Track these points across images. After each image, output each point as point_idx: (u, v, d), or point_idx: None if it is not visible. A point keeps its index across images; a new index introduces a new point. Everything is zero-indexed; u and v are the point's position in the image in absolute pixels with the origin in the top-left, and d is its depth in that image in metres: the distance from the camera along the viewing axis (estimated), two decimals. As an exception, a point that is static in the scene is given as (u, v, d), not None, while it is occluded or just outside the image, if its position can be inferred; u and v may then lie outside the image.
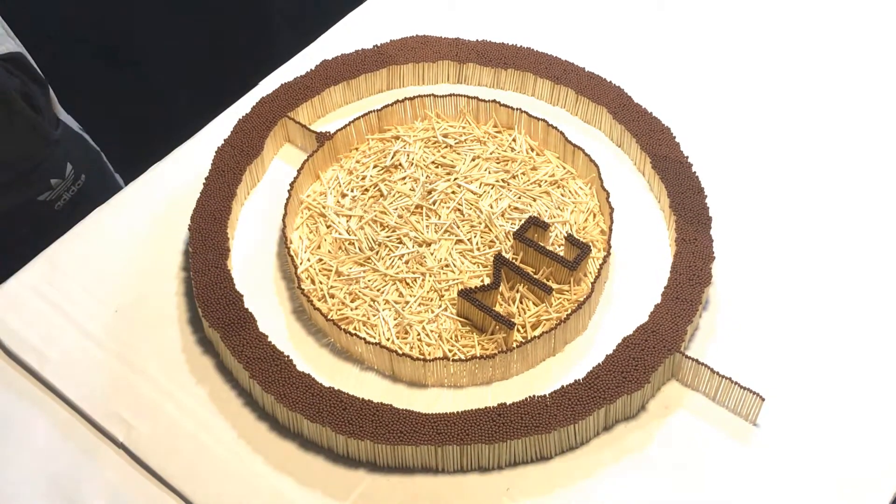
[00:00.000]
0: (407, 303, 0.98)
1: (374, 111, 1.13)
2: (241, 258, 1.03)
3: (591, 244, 1.01)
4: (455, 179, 1.08)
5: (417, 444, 0.87)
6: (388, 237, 1.03)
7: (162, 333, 0.98)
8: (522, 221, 1.03)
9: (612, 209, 1.03)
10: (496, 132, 1.13)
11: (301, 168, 1.07)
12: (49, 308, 1.00)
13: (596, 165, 1.06)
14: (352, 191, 1.08)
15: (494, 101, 1.12)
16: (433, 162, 1.10)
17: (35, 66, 1.14)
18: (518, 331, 0.96)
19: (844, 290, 1.01)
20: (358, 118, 1.12)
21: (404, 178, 1.09)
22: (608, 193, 1.04)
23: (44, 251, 1.04)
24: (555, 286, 0.98)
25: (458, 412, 0.89)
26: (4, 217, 1.07)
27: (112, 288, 1.01)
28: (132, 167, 1.11)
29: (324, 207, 1.06)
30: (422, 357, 0.93)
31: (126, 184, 1.09)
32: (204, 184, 1.05)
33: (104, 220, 1.07)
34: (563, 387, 0.90)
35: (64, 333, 0.98)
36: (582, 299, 0.96)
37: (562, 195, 1.07)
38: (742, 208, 1.07)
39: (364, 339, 0.94)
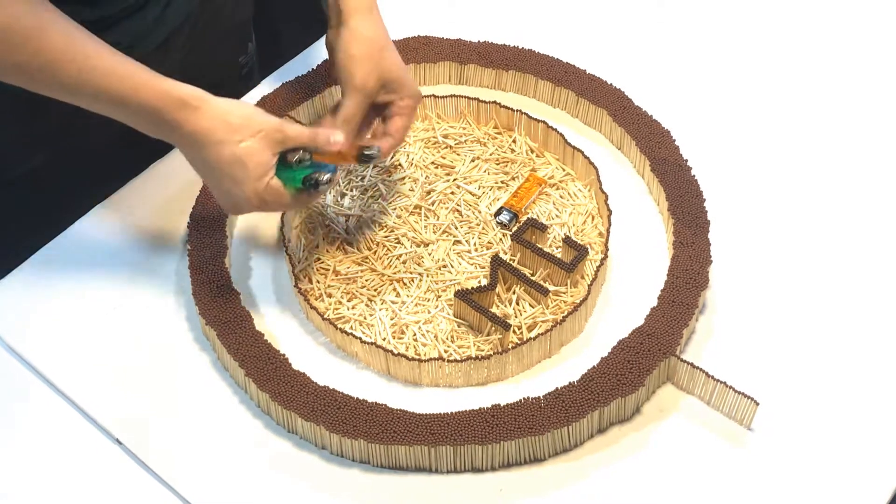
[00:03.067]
0: (404, 303, 0.98)
1: (374, 111, 1.13)
2: (239, 257, 1.04)
3: (588, 246, 1.01)
4: (454, 180, 1.09)
5: (411, 444, 0.87)
6: (386, 237, 1.03)
7: (159, 331, 0.98)
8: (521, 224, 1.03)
9: (610, 211, 1.03)
10: (496, 133, 1.13)
11: (300, 167, 1.07)
12: (48, 304, 1.00)
13: (595, 168, 1.06)
14: (351, 190, 1.08)
15: (495, 102, 1.13)
16: (433, 162, 1.10)
17: None
18: (514, 332, 0.96)
19: (840, 296, 1.01)
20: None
21: (403, 179, 1.09)
22: (607, 196, 1.04)
23: (43, 247, 1.04)
24: (552, 288, 0.99)
25: (452, 413, 0.89)
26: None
27: (111, 285, 1.02)
28: (133, 165, 1.11)
29: (322, 207, 1.06)
30: (417, 357, 0.93)
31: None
32: (203, 182, 1.05)
33: (104, 217, 1.07)
34: (557, 388, 0.90)
35: (62, 330, 0.98)
36: (578, 301, 0.96)
37: (560, 197, 1.07)
38: (740, 212, 1.07)
39: (360, 338, 0.94)
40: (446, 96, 1.14)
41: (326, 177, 0.89)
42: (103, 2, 0.98)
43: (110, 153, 1.08)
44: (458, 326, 0.97)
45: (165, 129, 0.87)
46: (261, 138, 0.87)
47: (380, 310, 0.98)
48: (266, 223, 1.06)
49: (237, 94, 1.17)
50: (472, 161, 1.11)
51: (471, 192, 1.07)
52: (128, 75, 0.85)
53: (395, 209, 1.06)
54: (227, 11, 1.18)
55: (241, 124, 0.87)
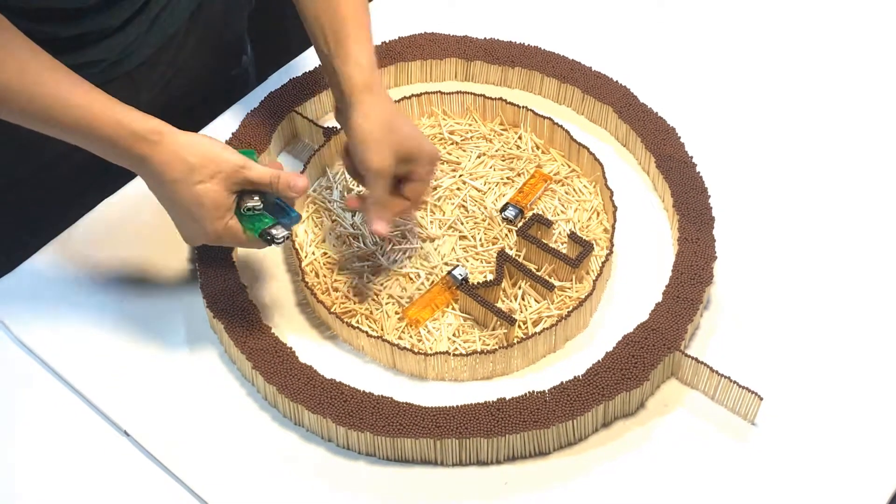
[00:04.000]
0: (410, 298, 0.99)
1: (381, 107, 1.14)
2: (247, 251, 1.04)
3: (593, 242, 1.02)
4: (460, 176, 1.09)
5: (417, 437, 0.88)
6: (392, 232, 1.04)
7: (167, 323, 0.99)
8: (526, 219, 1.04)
9: (615, 208, 1.03)
10: (502, 130, 1.14)
11: (307, 162, 1.08)
12: (57, 297, 1.01)
13: (600, 164, 1.07)
14: (358, 186, 1.08)
15: (501, 98, 1.13)
16: (439, 158, 1.11)
17: None
18: (519, 327, 0.96)
19: (844, 292, 1.01)
20: (365, 114, 1.13)
21: (410, 174, 1.10)
22: (612, 192, 1.04)
23: (51, 241, 1.05)
24: (557, 283, 0.99)
25: (457, 406, 0.89)
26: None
27: (119, 278, 1.02)
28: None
29: (329, 202, 1.07)
30: (423, 351, 0.94)
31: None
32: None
33: (112, 210, 1.08)
34: (562, 383, 0.91)
35: (71, 322, 0.99)
36: (583, 297, 0.97)
37: (566, 193, 1.08)
38: (745, 209, 1.07)
39: (366, 332, 0.95)
40: (452, 93, 1.14)
41: (283, 234, 0.88)
42: (84, 20, 0.97)
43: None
44: (464, 321, 0.97)
45: (124, 159, 0.86)
46: (220, 180, 0.86)
47: (386, 304, 0.98)
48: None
49: (230, 102, 1.17)
50: (478, 157, 1.11)
51: (476, 188, 1.08)
52: (83, 105, 0.83)
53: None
54: (217, 28, 1.17)
55: (199, 164, 0.85)
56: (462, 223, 1.05)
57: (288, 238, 0.89)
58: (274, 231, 0.88)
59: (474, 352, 0.94)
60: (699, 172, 1.06)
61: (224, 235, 0.88)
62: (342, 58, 0.95)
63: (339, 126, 1.11)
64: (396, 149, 0.93)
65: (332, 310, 0.97)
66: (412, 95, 1.14)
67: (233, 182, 0.86)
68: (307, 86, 1.15)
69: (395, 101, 1.12)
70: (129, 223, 1.06)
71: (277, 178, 0.88)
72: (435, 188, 1.08)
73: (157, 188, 0.87)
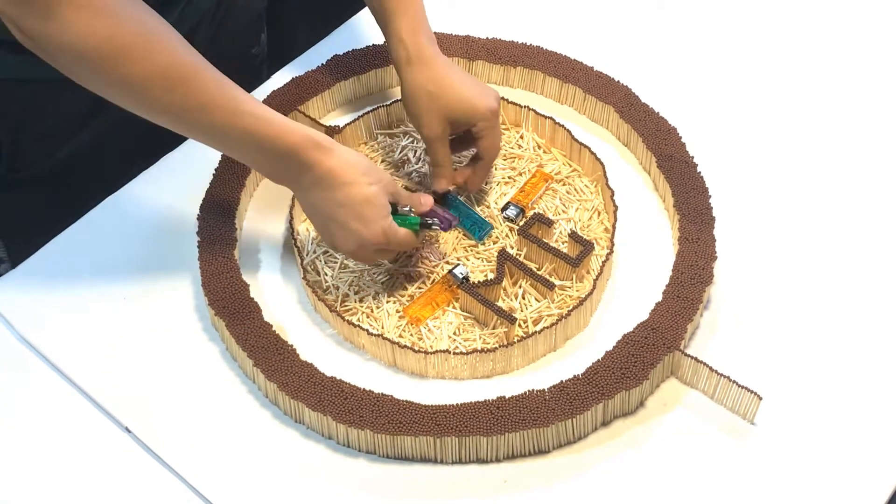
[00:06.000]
0: (411, 296, 0.99)
1: (383, 106, 1.14)
2: (249, 249, 1.05)
3: (594, 241, 1.02)
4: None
5: (417, 435, 0.88)
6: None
7: (168, 321, 0.99)
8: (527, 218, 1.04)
9: (616, 207, 1.04)
10: (504, 129, 1.14)
11: (309, 161, 1.08)
12: (59, 294, 1.01)
13: (601, 164, 1.07)
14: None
15: (502, 98, 1.13)
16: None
17: None
18: (519, 326, 0.97)
19: (844, 293, 1.02)
20: (367, 113, 1.13)
21: (411, 174, 1.10)
22: (613, 191, 1.05)
23: (54, 238, 1.05)
24: (557, 282, 0.99)
25: (457, 404, 0.90)
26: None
27: (121, 275, 1.03)
28: (144, 157, 1.12)
29: (331, 200, 1.07)
30: (423, 350, 0.94)
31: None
32: (213, 174, 1.06)
33: (115, 208, 1.08)
34: (562, 381, 0.91)
35: (73, 320, 0.99)
36: (584, 296, 0.97)
37: (567, 192, 1.08)
38: (745, 209, 1.08)
39: (367, 330, 0.95)
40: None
41: (439, 218, 0.98)
42: None
43: (123, 145, 1.09)
44: (465, 320, 0.98)
45: (299, 170, 0.91)
46: (382, 185, 0.93)
47: (387, 302, 0.99)
48: (275, 216, 1.07)
49: (249, 85, 1.18)
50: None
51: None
52: (271, 118, 0.89)
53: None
54: (242, 4, 1.19)
55: (369, 169, 0.93)
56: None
57: (438, 227, 0.98)
58: (429, 220, 0.97)
59: (474, 350, 0.94)
60: (700, 172, 1.07)
61: (388, 232, 0.93)
62: (388, 35, 1.03)
63: (340, 125, 1.12)
64: (445, 114, 1.00)
65: (332, 308, 0.97)
66: (414, 95, 1.15)
67: (388, 191, 0.94)
68: (310, 84, 1.16)
69: (397, 101, 1.13)
70: (132, 221, 1.07)
71: (411, 195, 0.98)
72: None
73: (328, 192, 0.91)
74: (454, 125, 1.01)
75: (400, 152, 1.12)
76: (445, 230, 1.00)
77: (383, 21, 1.03)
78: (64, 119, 1.06)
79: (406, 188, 1.09)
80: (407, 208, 0.97)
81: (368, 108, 1.14)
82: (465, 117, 1.00)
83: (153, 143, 1.07)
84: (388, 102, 1.14)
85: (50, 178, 1.10)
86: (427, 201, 0.98)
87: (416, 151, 1.12)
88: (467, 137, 1.03)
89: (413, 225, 0.96)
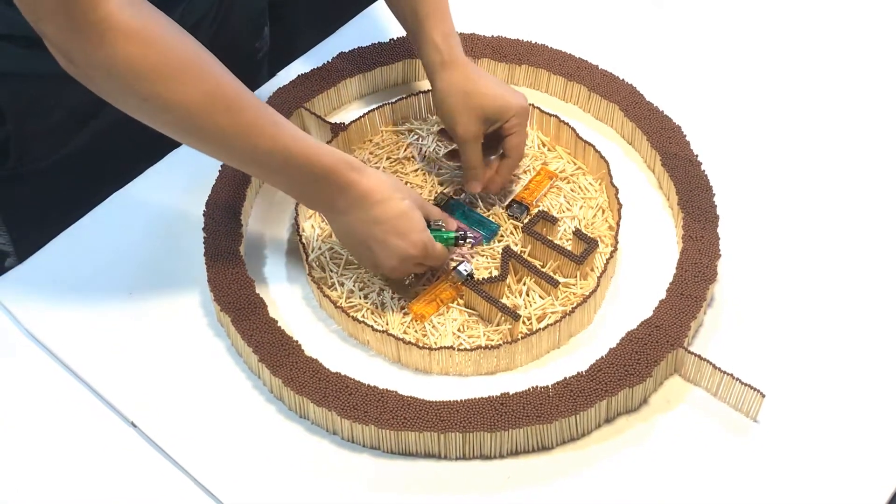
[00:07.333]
0: (416, 293, 1.00)
1: (388, 104, 1.14)
2: (254, 245, 1.05)
3: (598, 239, 1.02)
4: (466, 173, 1.10)
5: (421, 431, 0.88)
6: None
7: (174, 316, 1.00)
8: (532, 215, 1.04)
9: (620, 205, 1.04)
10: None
11: (315, 158, 1.08)
12: (65, 289, 1.02)
13: (606, 162, 1.07)
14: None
15: (507, 96, 1.14)
16: (445, 155, 1.12)
17: None
18: (523, 322, 0.97)
19: (847, 291, 1.02)
20: (372, 110, 1.14)
21: (416, 171, 1.11)
22: (617, 190, 1.05)
23: (61, 233, 1.06)
24: (561, 280, 1.00)
25: (461, 400, 0.90)
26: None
27: (127, 271, 1.03)
28: (149, 155, 1.12)
29: (336, 197, 1.08)
30: (428, 346, 0.95)
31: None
32: (219, 171, 1.07)
33: (121, 204, 1.09)
34: (565, 378, 0.91)
35: (79, 314, 1.00)
36: (588, 293, 0.97)
37: (571, 190, 1.09)
38: (749, 207, 1.08)
39: (371, 326, 0.96)
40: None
41: (471, 234, 1.00)
42: None
43: (128, 140, 1.10)
44: (469, 316, 0.98)
45: (335, 192, 0.92)
46: (413, 200, 0.95)
47: (391, 299, 0.99)
48: (280, 213, 1.08)
49: (251, 80, 1.18)
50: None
51: (483, 185, 1.09)
52: (309, 141, 0.90)
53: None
54: (242, 1, 1.20)
55: (399, 186, 0.95)
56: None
57: (472, 243, 1.00)
58: (463, 234, 0.99)
59: (479, 347, 0.94)
60: (704, 170, 1.07)
61: (427, 244, 0.95)
62: (420, 41, 1.04)
63: (346, 122, 1.12)
64: (478, 114, 1.02)
65: (337, 304, 0.97)
66: (419, 92, 1.15)
67: (419, 205, 0.96)
68: (315, 82, 1.16)
69: (402, 98, 1.14)
70: (138, 217, 1.07)
71: (441, 214, 1.00)
72: (441, 184, 1.09)
73: (363, 212, 0.93)
74: (488, 123, 1.03)
75: (405, 149, 1.12)
76: (474, 245, 1.01)
77: (415, 26, 1.04)
78: (71, 113, 1.06)
79: (410, 185, 1.09)
80: (439, 223, 0.98)
81: (374, 106, 1.14)
82: (499, 113, 1.02)
83: (158, 139, 1.07)
84: (394, 100, 1.15)
85: (57, 172, 1.10)
86: (453, 222, 1.01)
87: (420, 149, 1.12)
88: (493, 141, 1.05)
89: (448, 240, 0.98)
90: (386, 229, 0.93)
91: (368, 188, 0.92)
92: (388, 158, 1.12)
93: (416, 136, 1.14)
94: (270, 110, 0.88)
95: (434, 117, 1.15)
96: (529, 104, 1.12)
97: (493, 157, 1.07)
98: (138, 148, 1.11)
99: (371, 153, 1.12)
